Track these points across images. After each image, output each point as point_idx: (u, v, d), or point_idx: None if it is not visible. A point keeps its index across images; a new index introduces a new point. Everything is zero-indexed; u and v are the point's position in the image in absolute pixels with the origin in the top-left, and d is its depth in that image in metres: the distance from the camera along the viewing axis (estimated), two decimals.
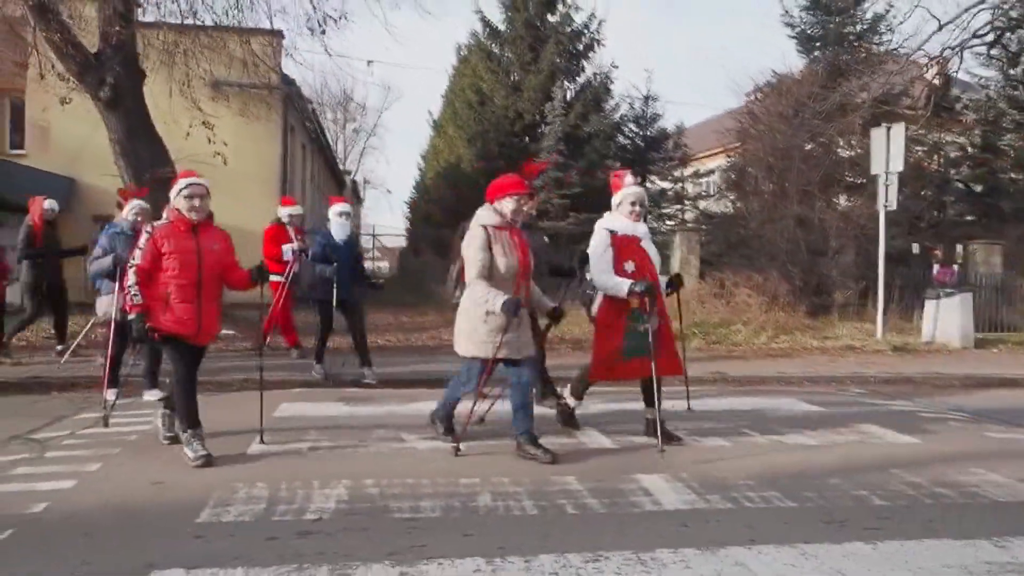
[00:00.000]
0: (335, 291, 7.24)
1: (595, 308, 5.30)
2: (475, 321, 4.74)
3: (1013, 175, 18.41)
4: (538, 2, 21.06)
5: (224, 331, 9.13)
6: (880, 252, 11.99)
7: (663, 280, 5.45)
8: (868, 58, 16.99)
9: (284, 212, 8.77)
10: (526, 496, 4.00)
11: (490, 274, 4.70)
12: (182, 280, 4.64)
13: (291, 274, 7.13)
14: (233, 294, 5.23)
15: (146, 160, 10.14)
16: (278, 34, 13.10)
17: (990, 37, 15.80)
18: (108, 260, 6.26)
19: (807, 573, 3.06)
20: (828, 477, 4.44)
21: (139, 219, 6.52)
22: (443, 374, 6.84)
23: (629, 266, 5.14)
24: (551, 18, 21.42)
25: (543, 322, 5.77)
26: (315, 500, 3.88)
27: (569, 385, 5.71)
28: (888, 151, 11.71)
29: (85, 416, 5.90)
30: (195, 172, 4.96)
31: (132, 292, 4.60)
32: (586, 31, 21.40)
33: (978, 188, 18.58)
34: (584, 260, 5.34)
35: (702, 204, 21.26)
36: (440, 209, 22.68)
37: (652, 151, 21.21)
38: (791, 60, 29.96)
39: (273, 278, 7.38)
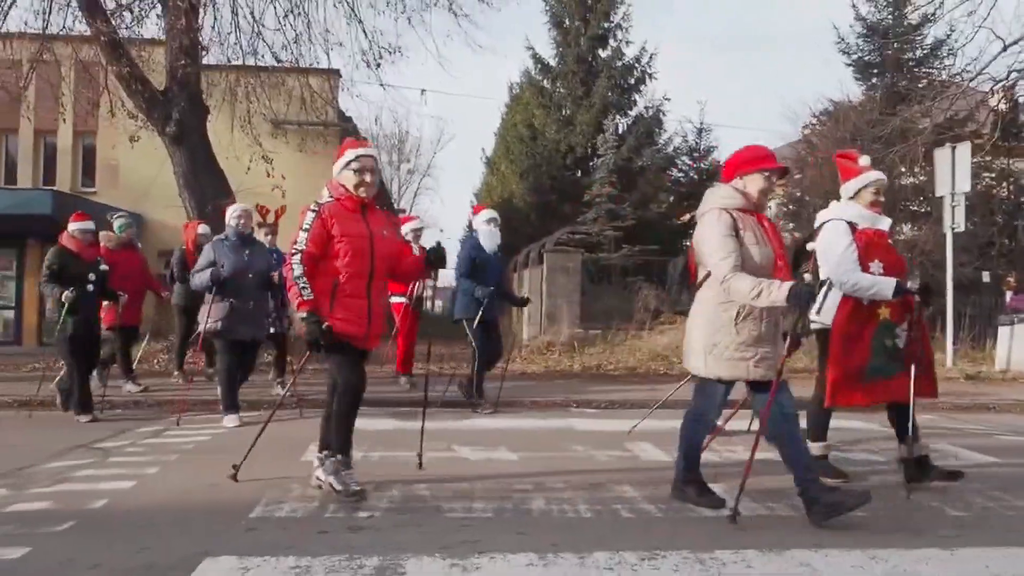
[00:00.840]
0: (481, 310, 6.57)
1: (822, 315, 4.01)
2: (719, 330, 3.64)
3: None
4: (589, 37, 21.25)
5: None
6: (947, 276, 11.50)
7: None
8: (930, 84, 16.61)
9: (407, 228, 7.74)
10: (580, 500, 3.92)
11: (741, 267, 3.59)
12: (351, 269, 3.88)
13: (412, 296, 6.10)
14: None
15: (209, 192, 10.56)
16: (335, 72, 13.60)
17: None
18: (207, 275, 5.99)
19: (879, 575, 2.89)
20: (898, 491, 4.22)
21: (242, 222, 6.30)
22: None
23: (876, 267, 4.12)
24: (602, 53, 21.58)
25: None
26: (368, 499, 3.85)
27: (806, 431, 4.28)
28: (954, 171, 11.28)
29: (145, 429, 6.05)
30: (368, 142, 4.26)
31: (300, 285, 3.77)
32: (637, 65, 21.50)
33: None
34: (822, 284, 3.93)
35: None
36: None
37: (707, 183, 21.01)
38: (848, 87, 29.49)
39: (395, 300, 6.82)
